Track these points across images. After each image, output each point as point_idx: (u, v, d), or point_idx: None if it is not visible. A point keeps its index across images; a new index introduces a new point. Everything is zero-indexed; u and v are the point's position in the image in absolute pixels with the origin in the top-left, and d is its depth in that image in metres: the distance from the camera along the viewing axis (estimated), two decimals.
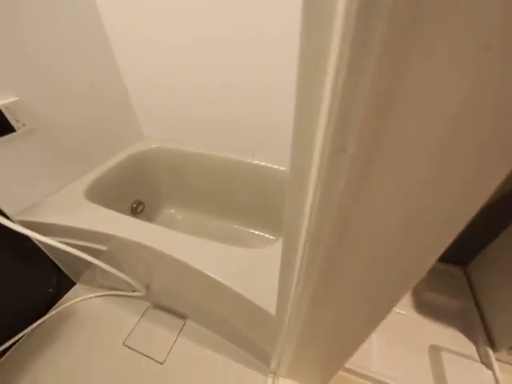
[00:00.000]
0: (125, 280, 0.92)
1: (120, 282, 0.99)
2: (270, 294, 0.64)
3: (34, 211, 0.88)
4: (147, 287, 0.98)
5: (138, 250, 0.79)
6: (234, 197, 1.32)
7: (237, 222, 1.38)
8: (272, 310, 0.60)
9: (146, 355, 0.92)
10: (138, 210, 1.31)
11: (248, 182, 1.24)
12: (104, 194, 1.09)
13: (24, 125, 0.81)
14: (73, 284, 1.15)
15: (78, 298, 1.08)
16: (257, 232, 1.33)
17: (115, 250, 0.87)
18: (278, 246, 0.76)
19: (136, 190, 1.31)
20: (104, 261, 0.87)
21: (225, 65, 0.95)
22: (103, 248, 0.86)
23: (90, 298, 1.10)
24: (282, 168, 1.12)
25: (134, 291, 1.02)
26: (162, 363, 0.91)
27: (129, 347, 0.95)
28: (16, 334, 0.93)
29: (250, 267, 0.71)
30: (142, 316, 1.04)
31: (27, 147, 0.84)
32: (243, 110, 1.05)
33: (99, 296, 1.10)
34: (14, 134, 0.79)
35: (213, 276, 0.67)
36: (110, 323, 1.02)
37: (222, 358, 0.91)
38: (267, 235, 1.31)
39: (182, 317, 1.04)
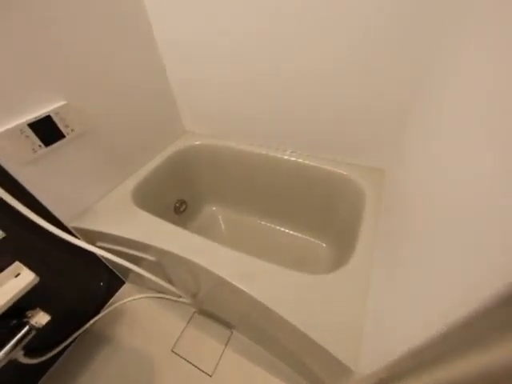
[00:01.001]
0: (171, 289, 0.90)
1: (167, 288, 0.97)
2: (338, 332, 0.55)
3: (85, 217, 0.87)
4: (194, 296, 0.95)
5: (187, 265, 0.74)
6: (279, 198, 1.22)
7: (283, 225, 1.29)
8: (353, 366, 0.50)
9: (194, 365, 0.91)
10: (181, 209, 1.28)
11: (296, 182, 1.12)
12: (149, 195, 1.06)
13: (73, 130, 0.77)
14: (122, 283, 1.17)
15: (127, 299, 1.09)
16: (305, 237, 1.23)
17: (164, 261, 0.83)
18: (349, 269, 0.66)
19: (179, 189, 1.26)
20: (152, 269, 0.84)
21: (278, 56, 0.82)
22: (152, 259, 0.83)
23: (140, 298, 1.11)
24: (339, 171, 0.98)
25: (180, 297, 1.00)
26: (210, 376, 0.88)
27: (177, 354, 0.94)
28: (69, 335, 0.96)
29: (316, 297, 0.62)
30: (188, 322, 1.02)
31: (76, 152, 0.81)
32: (299, 106, 0.92)
33: (147, 297, 1.11)
34: (63, 140, 0.76)
35: (273, 309, 0.59)
36: (158, 327, 1.02)
37: (276, 380, 0.85)
38: (317, 241, 1.20)
39: (229, 326, 1.00)
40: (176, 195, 1.26)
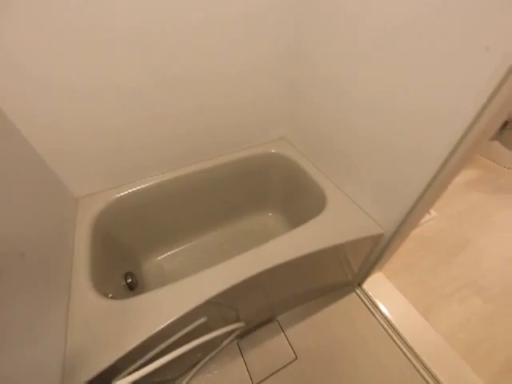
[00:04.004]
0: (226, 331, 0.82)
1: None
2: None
3: (77, 364, 0.56)
4: (238, 320, 0.91)
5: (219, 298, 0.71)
6: (211, 205, 1.27)
7: (230, 222, 1.37)
8: (380, 230, 0.82)
9: (278, 369, 0.93)
10: (134, 282, 1.02)
11: (220, 183, 1.22)
12: (104, 275, 0.79)
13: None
14: None
15: None
16: (253, 217, 1.39)
17: (210, 312, 0.74)
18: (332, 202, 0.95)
19: (119, 261, 0.99)
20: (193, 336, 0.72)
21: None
22: (202, 320, 0.72)
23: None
24: (257, 152, 1.20)
25: (230, 335, 0.91)
26: (296, 358, 0.96)
27: (260, 381, 0.91)
28: None
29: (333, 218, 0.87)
30: (241, 353, 0.97)
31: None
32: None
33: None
34: None
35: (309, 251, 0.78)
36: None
37: (317, 316, 1.07)
38: (264, 214, 1.41)
39: (271, 319, 1.06)
40: (121, 269, 0.99)
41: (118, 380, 0.55)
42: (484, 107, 0.50)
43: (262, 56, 0.93)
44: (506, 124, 1.50)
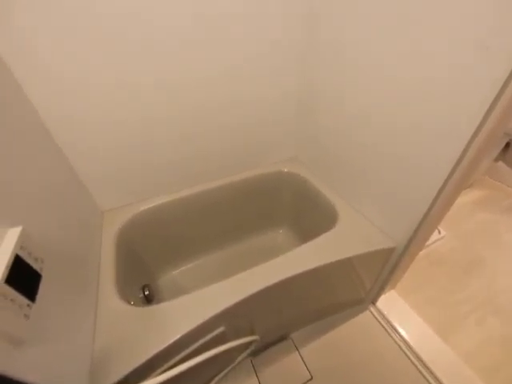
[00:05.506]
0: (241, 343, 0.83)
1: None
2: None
3: (105, 366, 0.59)
4: (253, 332, 0.92)
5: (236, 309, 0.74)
6: (224, 222, 1.32)
7: (241, 238, 1.40)
8: (391, 244, 0.85)
9: None
10: (151, 294, 1.05)
11: (234, 200, 1.28)
12: (127, 284, 0.83)
13: (42, 261, 0.51)
14: None
15: None
16: (264, 234, 1.43)
17: (228, 322, 0.76)
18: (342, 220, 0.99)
19: (139, 273, 1.03)
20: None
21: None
22: (220, 329, 0.74)
23: None
24: (270, 170, 1.28)
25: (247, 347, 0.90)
26: (311, 378, 0.94)
27: None
28: None
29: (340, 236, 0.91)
30: (255, 371, 0.96)
31: (54, 289, 0.54)
32: None
33: None
34: (42, 280, 0.49)
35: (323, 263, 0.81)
36: None
37: (331, 334, 1.06)
38: (275, 231, 1.44)
39: (285, 337, 1.05)
40: (139, 281, 1.02)
41: None
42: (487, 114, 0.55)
43: (277, 84, 1.04)
44: (508, 145, 1.56)
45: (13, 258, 0.43)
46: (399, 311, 1.11)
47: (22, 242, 0.46)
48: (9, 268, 0.41)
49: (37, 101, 0.72)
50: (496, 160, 1.69)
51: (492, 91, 0.52)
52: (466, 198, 1.72)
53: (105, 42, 0.72)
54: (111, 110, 0.83)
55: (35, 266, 0.48)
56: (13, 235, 0.45)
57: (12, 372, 0.38)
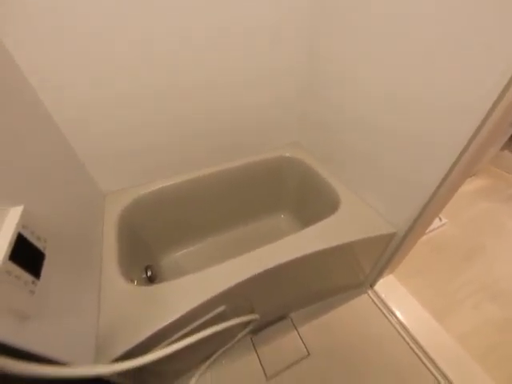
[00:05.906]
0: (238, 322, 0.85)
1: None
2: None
3: (112, 340, 0.61)
4: (253, 311, 0.94)
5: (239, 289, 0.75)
6: (227, 205, 1.33)
7: (243, 222, 1.41)
8: (392, 229, 0.85)
9: (291, 364, 0.95)
10: (154, 275, 1.07)
11: (237, 184, 1.28)
12: (131, 263, 0.85)
13: (46, 241, 0.51)
14: None
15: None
16: (266, 219, 1.44)
17: (229, 301, 0.78)
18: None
19: (141, 254, 1.04)
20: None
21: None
22: (221, 308, 0.76)
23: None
24: (273, 155, 1.26)
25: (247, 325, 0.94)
26: (308, 355, 0.97)
27: (274, 375, 0.93)
28: None
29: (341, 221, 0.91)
30: (254, 348, 1.00)
31: (57, 268, 0.54)
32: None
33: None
34: (45, 260, 0.49)
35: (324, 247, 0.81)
36: (240, 377, 0.92)
37: (329, 315, 1.09)
38: (276, 216, 1.45)
39: (284, 317, 1.08)
40: (142, 262, 1.04)
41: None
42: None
43: (277, 63, 1.00)
44: None
45: (15, 236, 0.43)
46: (396, 295, 1.14)
47: (24, 220, 0.46)
48: (12, 245, 0.42)
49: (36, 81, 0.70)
50: (502, 149, 1.65)
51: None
52: (469, 187, 1.71)
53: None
54: (112, 88, 0.81)
55: (38, 244, 0.49)
56: (15, 214, 0.46)
57: (20, 344, 0.39)
